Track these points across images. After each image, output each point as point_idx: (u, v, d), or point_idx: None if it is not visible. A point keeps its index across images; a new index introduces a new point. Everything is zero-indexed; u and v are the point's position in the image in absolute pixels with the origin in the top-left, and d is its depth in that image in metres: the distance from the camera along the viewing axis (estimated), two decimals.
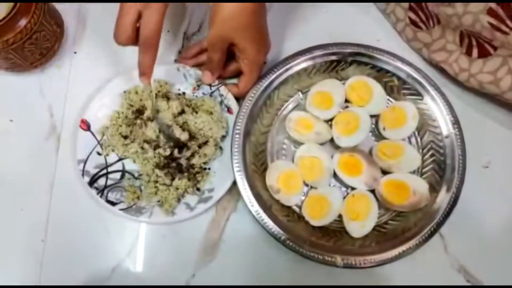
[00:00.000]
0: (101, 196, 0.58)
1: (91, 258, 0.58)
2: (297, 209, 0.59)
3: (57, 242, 0.59)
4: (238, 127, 0.58)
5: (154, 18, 0.50)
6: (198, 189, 0.59)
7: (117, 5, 0.51)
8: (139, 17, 0.51)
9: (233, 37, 0.54)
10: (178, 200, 0.58)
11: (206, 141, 0.60)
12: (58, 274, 0.58)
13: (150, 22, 0.50)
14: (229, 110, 0.61)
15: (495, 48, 0.56)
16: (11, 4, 0.56)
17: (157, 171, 0.58)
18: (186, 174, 0.58)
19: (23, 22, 0.56)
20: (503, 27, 0.52)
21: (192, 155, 0.59)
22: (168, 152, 0.58)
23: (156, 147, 0.59)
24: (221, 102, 0.61)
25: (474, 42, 0.58)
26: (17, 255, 0.59)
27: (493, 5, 0.51)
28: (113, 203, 0.58)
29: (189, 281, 0.57)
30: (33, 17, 0.56)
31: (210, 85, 0.62)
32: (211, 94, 0.62)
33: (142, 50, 0.53)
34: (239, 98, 0.61)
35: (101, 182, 0.59)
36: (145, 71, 0.54)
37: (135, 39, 0.52)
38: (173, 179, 0.58)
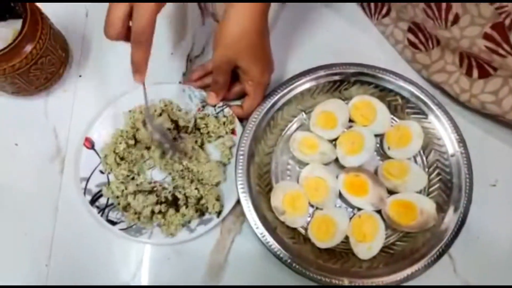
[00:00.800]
0: (101, 215, 0.58)
1: (95, 282, 0.58)
2: (302, 231, 0.59)
3: (61, 266, 0.59)
4: (242, 148, 0.58)
5: (146, 13, 0.48)
6: (203, 214, 0.58)
7: None
8: (131, 13, 0.49)
9: (238, 59, 0.55)
10: (183, 225, 0.58)
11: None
12: None
13: (141, 17, 0.48)
14: (232, 132, 0.61)
15: (495, 69, 0.57)
16: (17, 30, 0.57)
17: (158, 207, 0.58)
18: (193, 205, 0.58)
19: (28, 48, 0.56)
20: (500, 50, 0.53)
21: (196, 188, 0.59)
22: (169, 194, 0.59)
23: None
24: (224, 123, 0.62)
25: (474, 63, 0.59)
26: (21, 279, 0.59)
27: (488, 29, 0.52)
28: (113, 223, 0.58)
29: None
30: (38, 42, 0.57)
31: (214, 106, 0.62)
32: (215, 116, 0.62)
33: (134, 46, 0.51)
34: (243, 119, 0.62)
35: (103, 201, 0.59)
36: (138, 69, 0.52)
37: (126, 35, 0.51)
38: (177, 209, 0.58)
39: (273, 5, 0.65)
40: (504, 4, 0.48)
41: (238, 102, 0.63)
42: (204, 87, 0.64)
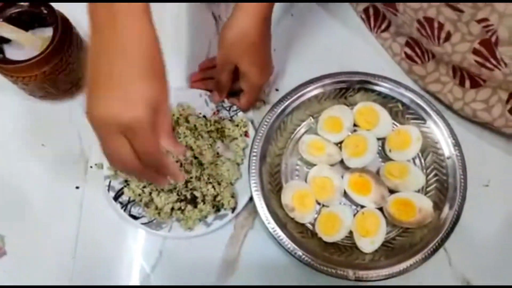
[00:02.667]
0: (124, 210, 0.61)
1: (118, 274, 0.61)
2: (310, 226, 0.62)
3: (85, 259, 0.61)
4: (255, 150, 0.61)
5: (147, 140, 0.41)
6: (218, 210, 0.62)
7: None
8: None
9: (237, 61, 0.57)
10: (200, 220, 0.61)
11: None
12: None
13: (144, 146, 0.42)
14: (246, 134, 0.65)
15: (484, 81, 0.60)
16: (44, 38, 0.60)
17: (178, 204, 0.61)
18: (210, 202, 0.61)
19: (59, 56, 0.60)
20: (488, 64, 0.56)
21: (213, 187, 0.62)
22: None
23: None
24: (238, 126, 0.65)
25: (466, 75, 0.62)
26: (47, 272, 0.61)
27: (476, 45, 0.55)
28: (135, 217, 0.61)
29: None
30: (67, 51, 0.60)
31: (229, 111, 0.66)
32: (230, 119, 0.66)
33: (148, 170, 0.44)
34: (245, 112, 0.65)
35: (125, 197, 0.62)
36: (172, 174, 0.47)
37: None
38: (195, 206, 0.61)
39: (287, 18, 0.69)
40: (490, 22, 0.52)
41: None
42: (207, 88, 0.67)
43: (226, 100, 0.66)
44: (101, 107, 0.40)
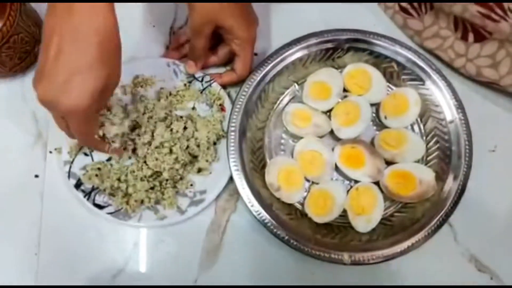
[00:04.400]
0: (87, 199, 0.56)
1: (88, 268, 0.57)
2: (299, 206, 0.58)
3: (51, 255, 0.57)
4: (233, 124, 0.56)
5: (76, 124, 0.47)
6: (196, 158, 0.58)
7: None
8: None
9: (218, 18, 0.53)
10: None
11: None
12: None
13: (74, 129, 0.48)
14: (222, 108, 0.59)
15: (490, 33, 0.57)
16: None
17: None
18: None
19: None
20: (493, 15, 0.53)
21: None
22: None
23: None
24: (213, 100, 0.60)
25: (469, 27, 0.58)
26: (11, 270, 0.57)
27: None
28: (100, 207, 0.56)
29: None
30: (8, 19, 0.54)
31: (201, 82, 0.60)
32: (202, 91, 0.60)
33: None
34: (238, 84, 0.60)
35: (88, 185, 0.57)
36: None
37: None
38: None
39: None
40: None
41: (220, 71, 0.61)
42: (183, 58, 0.61)
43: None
44: (43, 90, 0.42)
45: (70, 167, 0.57)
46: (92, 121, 0.50)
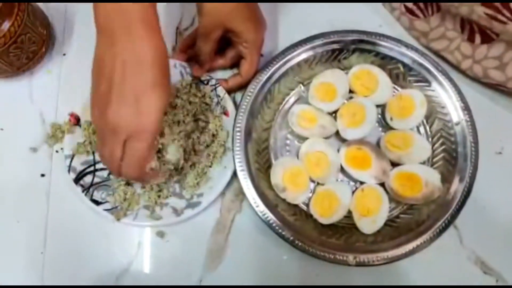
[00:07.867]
0: (86, 194, 0.56)
1: (92, 268, 0.57)
2: (304, 207, 0.58)
3: (57, 253, 0.58)
4: (238, 125, 0.56)
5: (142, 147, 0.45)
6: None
7: None
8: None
9: (228, 22, 0.53)
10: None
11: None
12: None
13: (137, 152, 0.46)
14: (225, 113, 0.59)
15: (497, 35, 0.56)
16: None
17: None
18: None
19: (6, 26, 0.53)
20: (500, 17, 0.52)
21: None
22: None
23: None
24: (217, 103, 0.60)
25: (476, 28, 0.57)
26: (17, 269, 0.57)
27: None
28: (97, 203, 0.56)
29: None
30: (16, 19, 0.54)
31: (207, 84, 0.60)
32: (205, 95, 0.60)
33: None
34: (243, 87, 0.59)
35: (88, 179, 0.57)
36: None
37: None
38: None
39: None
40: None
41: (225, 77, 0.61)
42: (190, 60, 0.61)
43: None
44: (113, 114, 0.43)
45: (71, 161, 0.57)
46: (154, 146, 0.47)
